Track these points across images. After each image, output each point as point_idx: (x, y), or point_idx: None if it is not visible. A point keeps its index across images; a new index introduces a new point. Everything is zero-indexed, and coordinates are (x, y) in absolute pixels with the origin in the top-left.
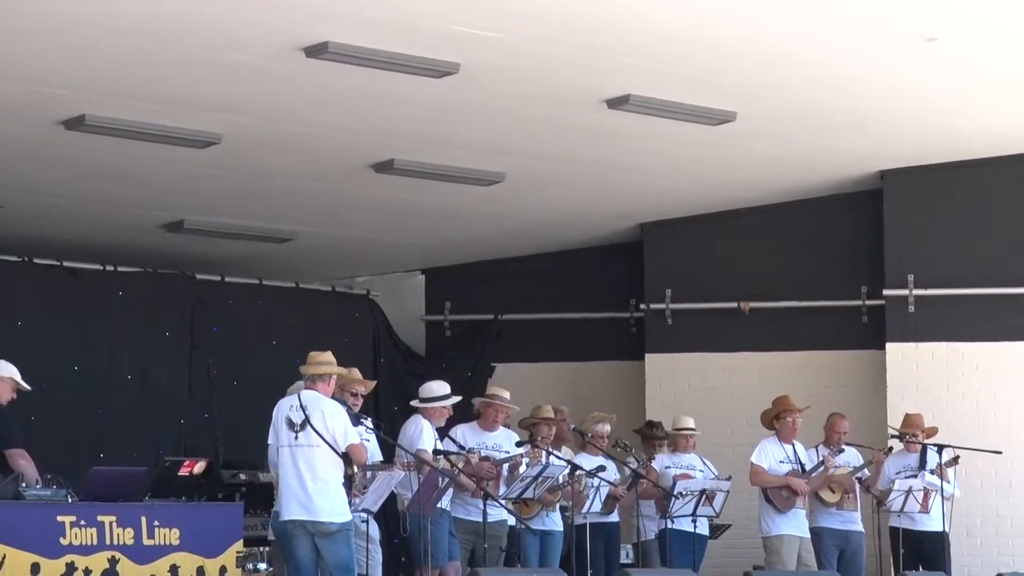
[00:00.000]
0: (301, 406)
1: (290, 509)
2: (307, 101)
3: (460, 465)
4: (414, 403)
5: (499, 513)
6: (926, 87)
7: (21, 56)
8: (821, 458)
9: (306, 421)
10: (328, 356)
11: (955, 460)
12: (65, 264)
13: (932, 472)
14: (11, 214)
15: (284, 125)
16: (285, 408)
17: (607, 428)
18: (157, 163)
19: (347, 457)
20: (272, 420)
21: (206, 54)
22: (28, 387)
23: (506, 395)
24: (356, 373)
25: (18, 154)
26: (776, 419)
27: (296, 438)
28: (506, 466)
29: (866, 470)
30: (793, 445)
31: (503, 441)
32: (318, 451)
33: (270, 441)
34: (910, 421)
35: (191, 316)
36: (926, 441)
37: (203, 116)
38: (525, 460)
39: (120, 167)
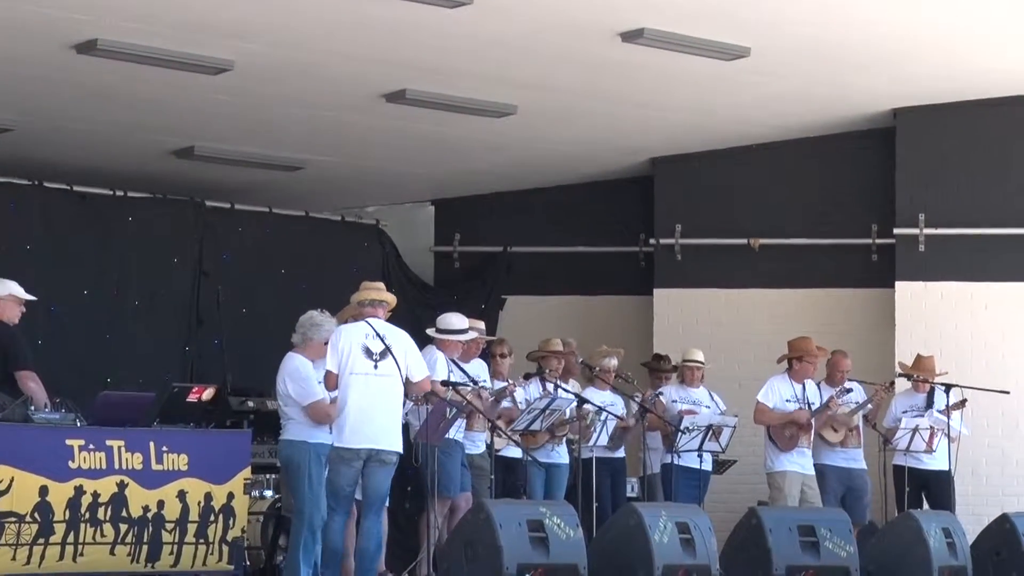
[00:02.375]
0: (378, 335)
1: (358, 437)
2: (320, 29)
3: (469, 397)
4: (430, 331)
5: (474, 447)
6: (940, 26)
7: None
8: (827, 397)
9: (387, 350)
10: (381, 285)
11: (962, 403)
12: (75, 188)
13: (939, 412)
14: (22, 137)
15: (297, 53)
16: (358, 336)
17: (615, 362)
18: (169, 89)
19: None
20: (336, 347)
21: None
22: (34, 297)
23: (481, 326)
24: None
25: (29, 78)
26: (796, 360)
27: (376, 367)
28: (491, 399)
29: (869, 405)
30: (804, 384)
31: (479, 371)
32: (393, 381)
33: (330, 368)
34: (922, 364)
35: (200, 243)
36: (935, 381)
37: (216, 43)
38: (524, 393)
39: (131, 92)
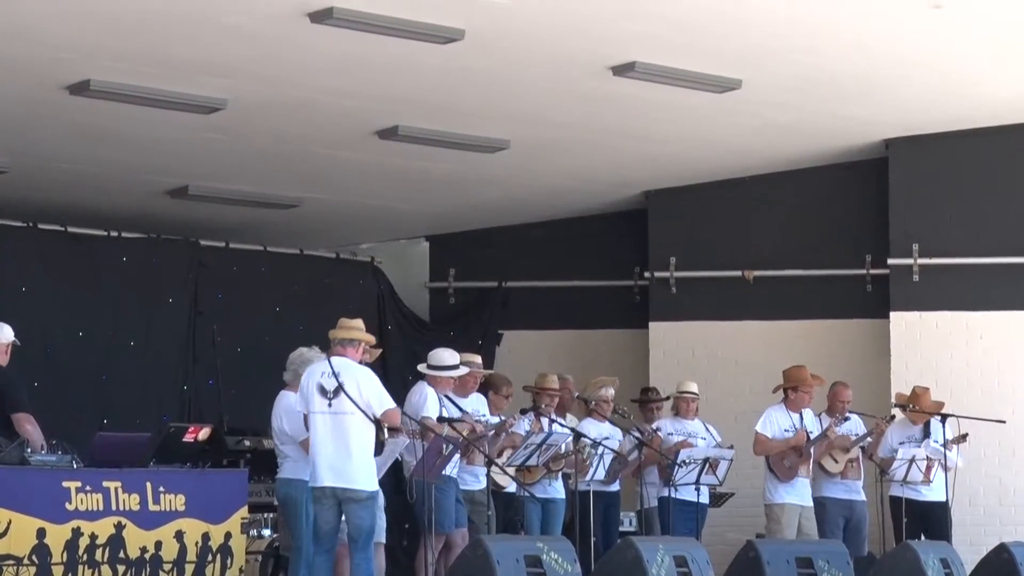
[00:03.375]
0: (333, 372)
1: (322, 476)
2: (312, 67)
3: (465, 433)
4: (421, 368)
5: (477, 481)
6: (931, 55)
7: (26, 19)
8: (826, 425)
9: (340, 388)
10: (359, 322)
11: (963, 437)
12: (69, 229)
13: (937, 444)
14: (15, 179)
15: (289, 91)
16: (317, 375)
17: (611, 392)
18: (162, 128)
19: (379, 424)
20: (301, 387)
21: (212, 19)
22: (18, 342)
23: (478, 360)
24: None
25: (23, 119)
26: (792, 390)
27: (329, 405)
28: (491, 433)
29: (869, 438)
30: (801, 414)
31: (478, 405)
32: (352, 418)
33: (299, 408)
34: (920, 399)
35: (195, 282)
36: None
37: (208, 82)
38: (517, 427)
39: (125, 132)
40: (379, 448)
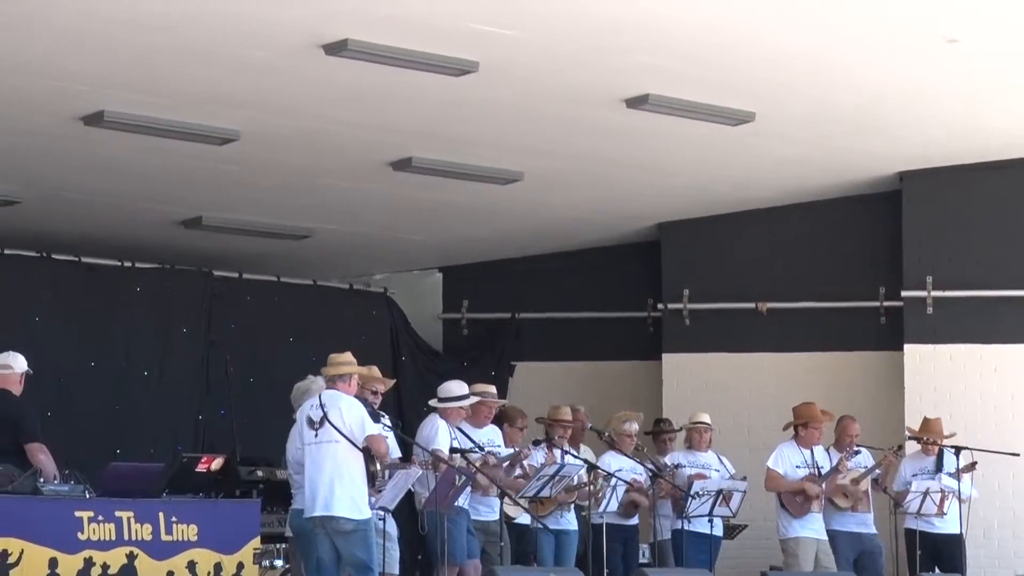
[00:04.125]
0: (320, 404)
1: (311, 506)
2: (326, 98)
3: (477, 464)
4: (432, 402)
5: (491, 512)
6: (946, 88)
7: (40, 52)
8: (836, 460)
9: (324, 418)
10: (348, 356)
11: (972, 466)
12: (83, 260)
13: (949, 475)
14: (29, 210)
15: (303, 122)
16: (307, 409)
17: (635, 427)
18: (175, 159)
19: (368, 453)
20: (296, 424)
21: (225, 51)
22: (31, 371)
23: (493, 390)
24: (375, 371)
25: (37, 150)
26: (803, 427)
27: (316, 435)
28: (506, 464)
29: (877, 470)
30: (812, 449)
31: (493, 436)
32: (336, 447)
33: (296, 444)
34: (929, 427)
35: (208, 313)
36: (944, 444)
37: (222, 113)
38: (532, 458)
39: (138, 163)
40: (371, 479)
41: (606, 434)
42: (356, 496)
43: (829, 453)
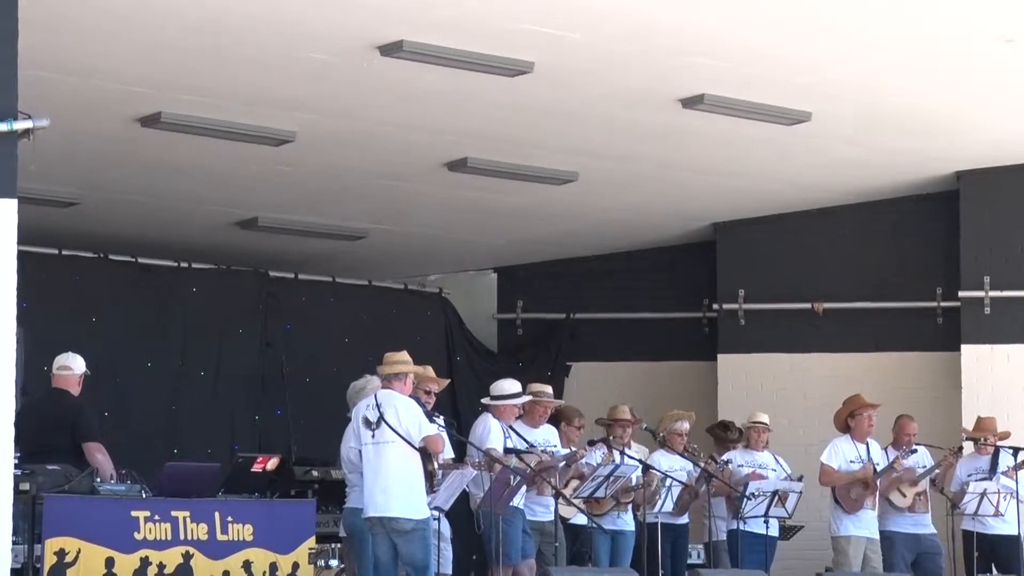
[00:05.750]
0: (376, 404)
1: (369, 506)
2: (381, 99)
3: (532, 464)
4: (484, 401)
5: (547, 512)
6: (1003, 88)
7: (98, 54)
8: (892, 457)
9: (380, 418)
10: (404, 355)
11: None
12: (140, 261)
13: (1004, 475)
14: (87, 211)
15: (358, 123)
16: (363, 408)
17: (686, 426)
18: (232, 160)
19: (425, 453)
20: (352, 424)
21: (281, 52)
22: (90, 372)
23: (549, 390)
24: (429, 371)
25: (94, 152)
26: (850, 417)
27: (373, 436)
28: (562, 464)
29: (937, 470)
30: (867, 444)
31: (548, 436)
32: (393, 447)
33: (351, 444)
34: (982, 425)
35: (264, 313)
36: (999, 443)
37: (278, 114)
38: (588, 459)
39: (195, 164)
40: (429, 478)
41: (660, 434)
42: (414, 496)
43: (887, 452)
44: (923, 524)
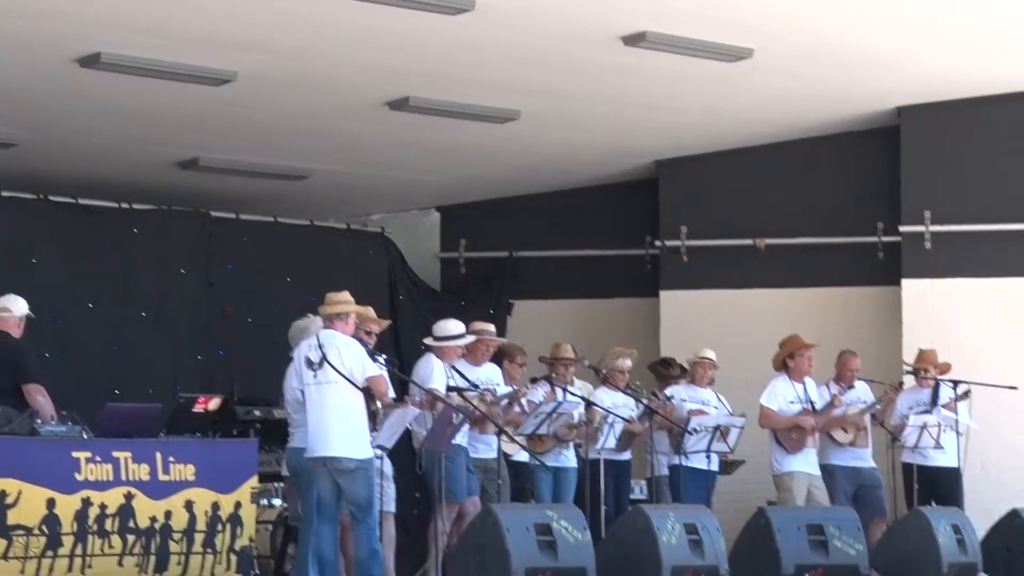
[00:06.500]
0: (319, 344)
1: (313, 446)
2: (323, 39)
3: (475, 403)
4: (427, 341)
5: (490, 449)
6: (943, 22)
7: None
8: (832, 396)
9: (323, 359)
10: (345, 296)
11: (966, 394)
12: (80, 202)
13: (945, 407)
14: (27, 152)
15: (299, 63)
16: (305, 349)
17: (628, 363)
18: (172, 101)
19: (368, 392)
20: (294, 364)
21: None
22: (32, 315)
23: (491, 328)
24: (370, 312)
25: (33, 92)
26: (789, 357)
27: (315, 376)
28: (504, 402)
29: (878, 406)
30: (804, 383)
31: (491, 375)
32: (336, 387)
33: (293, 384)
34: (923, 357)
35: (206, 254)
36: (939, 377)
37: (218, 54)
38: (531, 396)
39: (135, 105)
40: (371, 418)
41: (602, 371)
42: (357, 436)
43: (827, 387)
44: (863, 457)
